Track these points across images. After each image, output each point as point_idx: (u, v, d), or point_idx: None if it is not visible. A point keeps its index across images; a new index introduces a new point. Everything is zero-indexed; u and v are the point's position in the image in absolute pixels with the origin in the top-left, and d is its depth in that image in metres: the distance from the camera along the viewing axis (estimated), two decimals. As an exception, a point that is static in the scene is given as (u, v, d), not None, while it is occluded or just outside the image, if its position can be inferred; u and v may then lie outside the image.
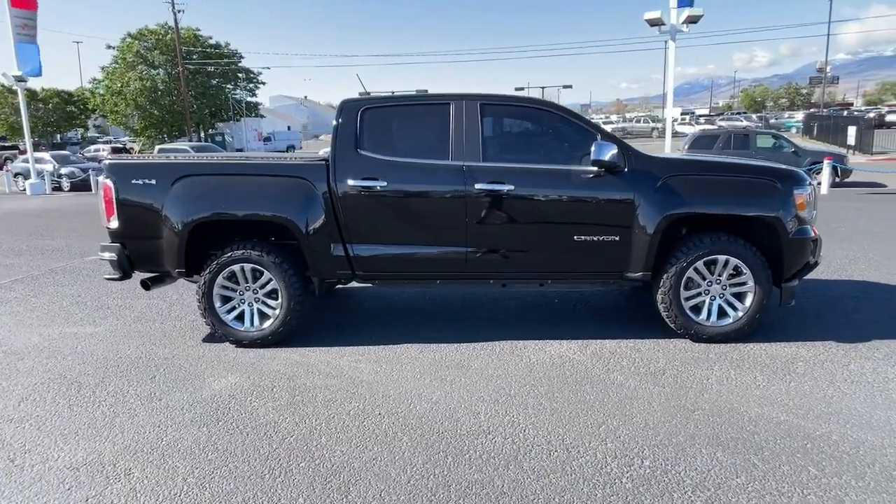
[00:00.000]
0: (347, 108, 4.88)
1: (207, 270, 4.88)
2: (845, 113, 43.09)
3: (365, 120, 4.85)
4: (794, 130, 43.12)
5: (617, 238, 4.66)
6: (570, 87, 49.05)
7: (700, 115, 63.02)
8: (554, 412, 3.69)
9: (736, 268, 4.64)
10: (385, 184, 4.72)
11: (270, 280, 4.87)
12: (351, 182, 4.74)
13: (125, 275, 5.07)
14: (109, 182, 4.92)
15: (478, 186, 4.66)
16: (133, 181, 4.91)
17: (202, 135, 46.60)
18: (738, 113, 62.98)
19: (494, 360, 4.54)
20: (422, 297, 6.35)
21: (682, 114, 62.82)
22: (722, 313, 4.74)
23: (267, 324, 4.95)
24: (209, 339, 5.21)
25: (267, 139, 50.52)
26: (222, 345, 5.03)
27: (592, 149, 4.48)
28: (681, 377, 4.14)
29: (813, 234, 4.69)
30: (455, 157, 4.73)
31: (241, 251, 4.84)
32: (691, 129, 50.39)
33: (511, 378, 4.21)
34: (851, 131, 26.92)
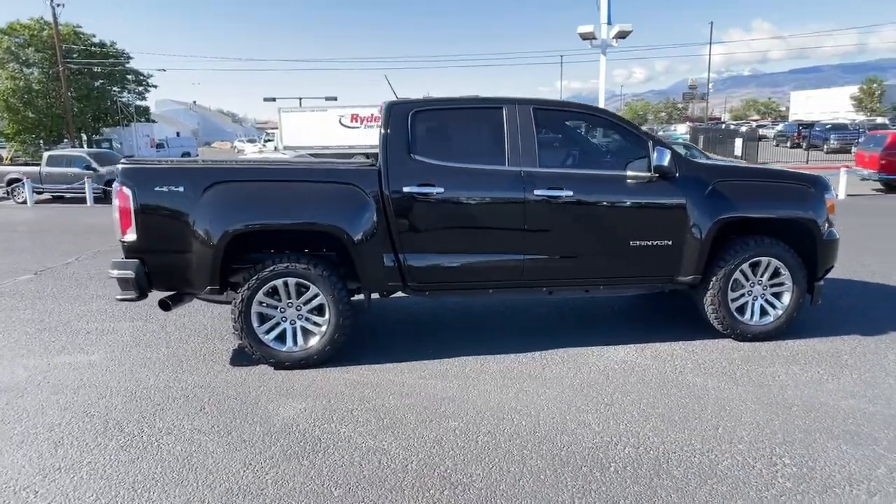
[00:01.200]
0: (397, 112, 4.63)
1: (246, 287, 4.43)
2: (723, 126, 47.15)
3: (416, 124, 4.62)
4: (680, 142, 46.59)
5: (670, 242, 4.75)
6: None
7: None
8: (662, 418, 3.67)
9: (776, 269, 4.88)
10: (442, 190, 4.52)
11: (317, 295, 4.51)
12: (406, 189, 4.50)
13: (142, 294, 4.49)
14: (126, 189, 4.35)
15: (537, 193, 4.58)
16: (156, 188, 4.37)
17: (84, 140, 42.78)
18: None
19: (564, 369, 4.47)
20: (441, 308, 6.14)
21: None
22: (763, 313, 4.96)
23: (312, 342, 4.57)
24: (237, 362, 4.73)
25: (160, 146, 47.22)
26: (258, 368, 4.58)
27: (654, 154, 4.55)
28: (753, 376, 4.28)
29: (837, 236, 5.03)
30: (511, 163, 4.62)
31: (286, 264, 4.44)
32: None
33: (595, 386, 4.16)
34: (738, 143, 29.51)
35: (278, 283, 4.47)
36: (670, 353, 4.76)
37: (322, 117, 33.86)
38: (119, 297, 4.52)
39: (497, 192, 4.60)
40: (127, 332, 5.58)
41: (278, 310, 4.55)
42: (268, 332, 4.55)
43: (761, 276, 4.90)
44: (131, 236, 4.39)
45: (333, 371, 4.52)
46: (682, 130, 52.97)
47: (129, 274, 4.39)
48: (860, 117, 52.43)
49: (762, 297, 4.95)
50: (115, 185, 4.42)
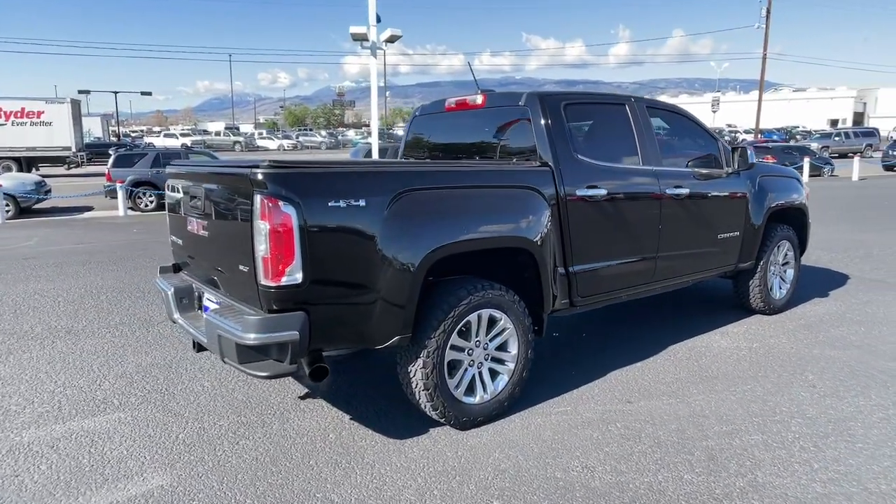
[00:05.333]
0: (550, 103, 4.01)
1: (440, 329, 3.30)
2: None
3: (569, 119, 4.08)
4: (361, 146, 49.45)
5: (738, 233, 5.21)
6: (150, 93, 43.84)
7: (259, 131, 65.28)
8: (870, 388, 4.06)
9: (786, 249, 5.78)
10: (605, 192, 4.11)
11: (506, 328, 3.63)
12: (579, 191, 3.96)
13: (298, 364, 2.97)
14: (286, 206, 2.81)
15: (668, 191, 4.53)
16: (331, 203, 2.93)
17: None
18: (309, 129, 67.87)
19: (720, 363, 4.52)
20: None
21: (226, 128, 64.51)
22: (779, 287, 5.82)
23: (500, 386, 3.66)
24: (392, 431, 3.49)
25: None
26: (429, 434, 3.48)
27: (748, 152, 4.94)
28: (838, 340, 5.01)
29: (809, 219, 6.22)
30: (644, 161, 4.46)
31: (481, 293, 3.45)
32: (272, 143, 51.99)
33: (770, 375, 4.31)
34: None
35: (472, 318, 3.45)
36: (750, 334, 5.21)
37: (-58, 111, 25.85)
38: (263, 374, 2.90)
39: (643, 191, 4.40)
40: (130, 429, 3.53)
41: (465, 352, 3.51)
42: (458, 385, 3.48)
43: (779, 256, 5.75)
44: (295, 276, 2.84)
45: (526, 416, 3.71)
46: (352, 135, 56.84)
47: (292, 336, 2.84)
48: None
49: (778, 275, 5.81)
50: (259, 198, 2.80)
